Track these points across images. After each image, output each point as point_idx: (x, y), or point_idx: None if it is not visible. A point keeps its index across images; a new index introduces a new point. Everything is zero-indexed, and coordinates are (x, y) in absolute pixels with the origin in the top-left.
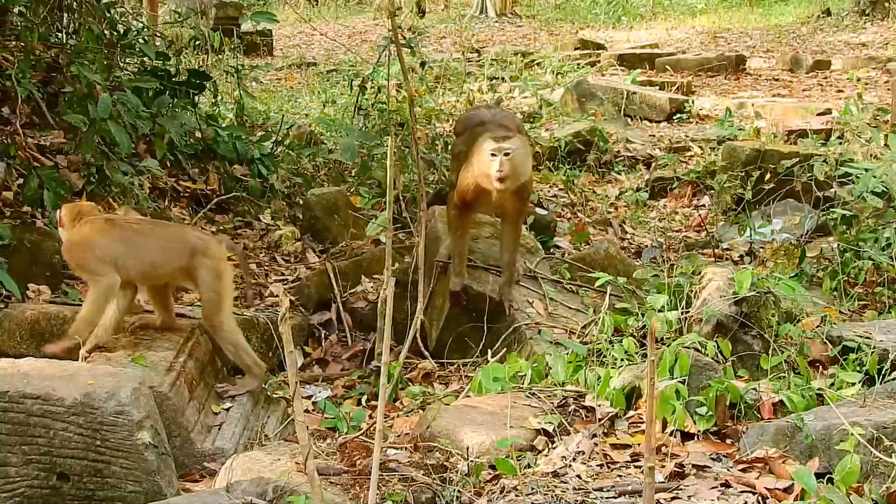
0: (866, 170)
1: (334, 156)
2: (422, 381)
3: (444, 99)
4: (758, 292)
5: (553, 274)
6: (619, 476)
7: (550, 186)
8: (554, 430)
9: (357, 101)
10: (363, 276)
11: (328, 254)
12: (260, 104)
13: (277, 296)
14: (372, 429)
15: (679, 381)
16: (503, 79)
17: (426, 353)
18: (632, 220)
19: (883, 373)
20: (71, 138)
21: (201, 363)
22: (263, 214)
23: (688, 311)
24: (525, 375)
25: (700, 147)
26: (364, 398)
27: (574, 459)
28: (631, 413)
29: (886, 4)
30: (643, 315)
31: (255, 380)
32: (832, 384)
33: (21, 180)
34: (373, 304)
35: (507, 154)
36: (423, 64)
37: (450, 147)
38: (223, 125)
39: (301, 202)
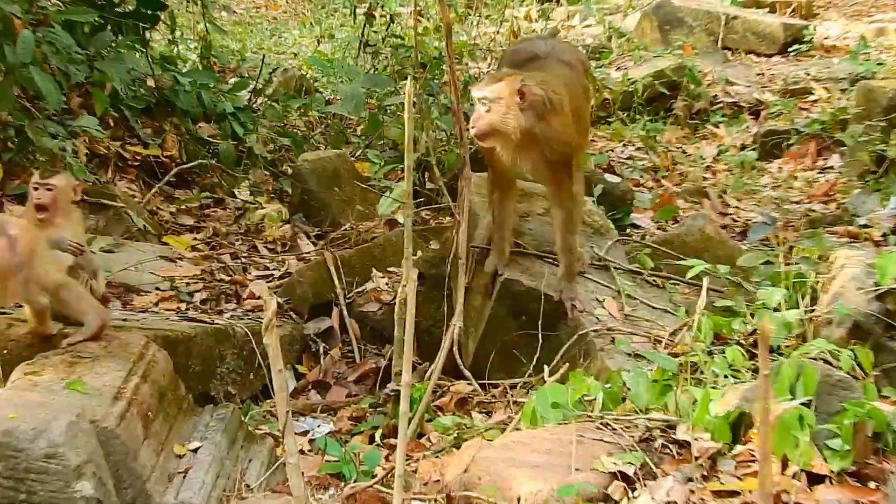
0: None
1: (333, 108)
2: (456, 409)
3: (479, 30)
4: None
5: (630, 262)
6: None
7: (625, 145)
8: (635, 472)
9: (363, 35)
10: (374, 270)
11: (327, 240)
12: (233, 41)
13: (259, 297)
14: (389, 475)
15: (803, 404)
16: (558, 1)
17: (462, 371)
18: (735, 189)
19: None
20: None
21: (158, 388)
22: (239, 188)
23: (813, 310)
24: (595, 400)
25: (826, 89)
26: (378, 434)
27: None
28: (739, 448)
29: None
30: (752, 316)
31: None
32: None
33: None
34: (388, 306)
35: (483, 104)
36: None
37: None
38: (183, 70)
39: (290, 171)
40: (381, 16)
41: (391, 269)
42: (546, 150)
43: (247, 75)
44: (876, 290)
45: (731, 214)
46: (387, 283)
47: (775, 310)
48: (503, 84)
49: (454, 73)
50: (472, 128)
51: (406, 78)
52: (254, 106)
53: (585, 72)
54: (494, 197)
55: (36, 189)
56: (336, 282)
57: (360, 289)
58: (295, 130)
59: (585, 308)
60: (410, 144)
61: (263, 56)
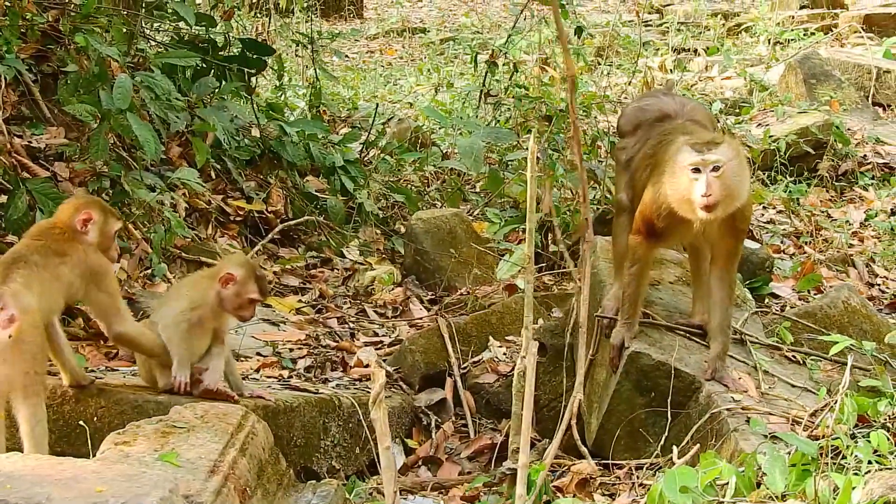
0: None
1: (451, 163)
2: (577, 491)
3: (609, 81)
4: None
5: (768, 336)
6: None
7: (765, 208)
8: None
9: (484, 84)
10: (491, 339)
11: (441, 305)
12: (344, 88)
13: (368, 366)
14: None
15: None
16: (696, 51)
17: (584, 449)
18: (884, 257)
19: None
20: (75, 138)
21: (258, 462)
22: (349, 247)
23: None
24: (727, 484)
25: None
26: None
27: None
28: None
29: None
30: None
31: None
32: None
33: (5, 197)
34: (506, 378)
35: (715, 169)
36: (578, 30)
37: (612, 151)
38: (291, 119)
39: (402, 230)
40: (503, 64)
41: (510, 337)
42: (738, 216)
43: (359, 126)
44: None
45: (879, 285)
46: (504, 354)
47: None
48: (730, 146)
49: (577, 129)
50: (707, 196)
51: (530, 132)
52: (365, 159)
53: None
54: (633, 266)
55: None
56: (450, 350)
57: (475, 359)
58: (409, 186)
59: (737, 387)
60: (533, 203)
61: (377, 105)
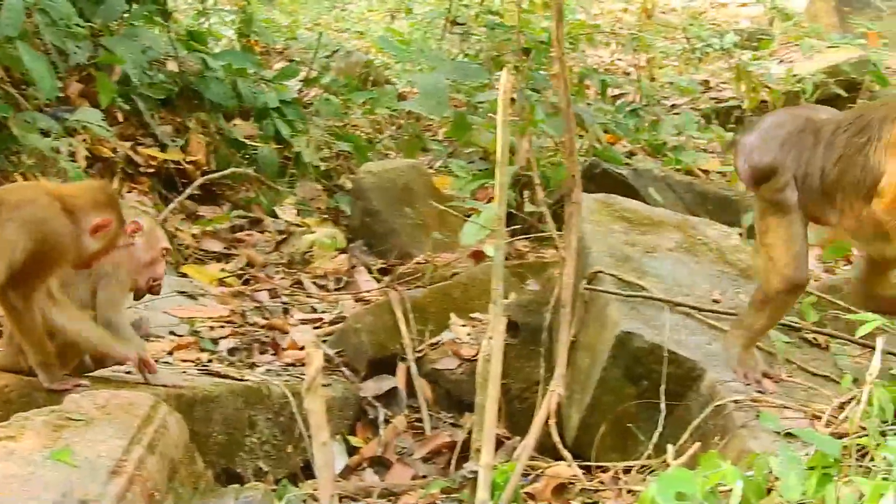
0: None
1: (408, 105)
2: (553, 497)
3: (602, 7)
4: None
5: (788, 314)
6: None
7: None
8: None
9: (449, 10)
10: (453, 316)
11: (393, 276)
12: (281, 14)
13: (304, 348)
14: None
15: None
16: None
17: (562, 449)
18: None
19: None
20: None
21: (169, 462)
22: (283, 206)
23: None
24: (732, 491)
25: None
26: None
27: None
28: None
29: None
30: None
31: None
32: None
33: None
34: (470, 363)
35: None
36: None
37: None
38: (216, 51)
39: (348, 185)
40: None
41: (475, 315)
42: None
43: (297, 59)
44: None
45: None
46: (469, 334)
47: None
48: None
49: (563, 64)
50: None
51: (503, 67)
52: (305, 100)
53: None
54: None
55: None
56: (403, 330)
57: (434, 340)
58: (357, 132)
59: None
60: (506, 154)
61: (320, 34)
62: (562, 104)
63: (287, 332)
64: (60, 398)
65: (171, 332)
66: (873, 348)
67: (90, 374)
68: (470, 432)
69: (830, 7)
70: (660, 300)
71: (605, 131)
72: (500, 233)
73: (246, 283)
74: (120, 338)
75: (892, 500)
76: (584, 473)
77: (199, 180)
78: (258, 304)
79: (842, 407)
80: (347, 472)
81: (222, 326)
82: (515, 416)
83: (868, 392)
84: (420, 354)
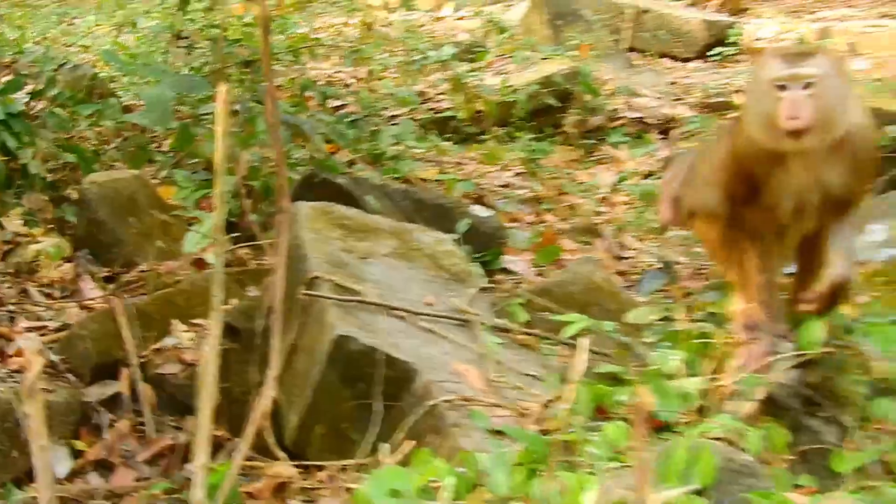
0: None
1: (133, 117)
2: (272, 496)
3: (324, 21)
4: (836, 347)
5: (499, 316)
6: None
7: (501, 170)
8: None
9: (174, 24)
10: (176, 322)
11: (118, 284)
12: (9, 28)
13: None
14: None
15: (697, 493)
16: None
17: (276, 450)
18: (637, 227)
19: None
20: None
21: None
22: (9, 216)
23: (717, 379)
24: (444, 486)
25: None
26: None
27: None
28: None
29: None
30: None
31: None
32: None
33: None
34: (193, 367)
35: (807, 86)
36: None
37: None
38: None
39: (74, 196)
40: (198, 1)
41: (197, 321)
42: (853, 146)
43: (25, 73)
44: (796, 357)
45: (629, 258)
46: (191, 339)
47: (671, 377)
48: (825, 58)
49: (270, 76)
50: (794, 119)
51: (229, 80)
52: (31, 112)
53: None
54: (742, 263)
55: None
56: (127, 336)
57: (157, 345)
58: (84, 144)
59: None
60: (223, 164)
61: (47, 48)
62: (269, 116)
63: (13, 340)
64: None
65: None
66: (581, 348)
67: None
68: (191, 434)
69: (544, 20)
70: (375, 304)
71: (327, 141)
72: (219, 241)
73: None
74: None
75: (594, 494)
76: (302, 473)
77: None
78: None
79: (548, 404)
80: (72, 476)
81: None
82: (236, 418)
83: (573, 390)
84: (144, 360)
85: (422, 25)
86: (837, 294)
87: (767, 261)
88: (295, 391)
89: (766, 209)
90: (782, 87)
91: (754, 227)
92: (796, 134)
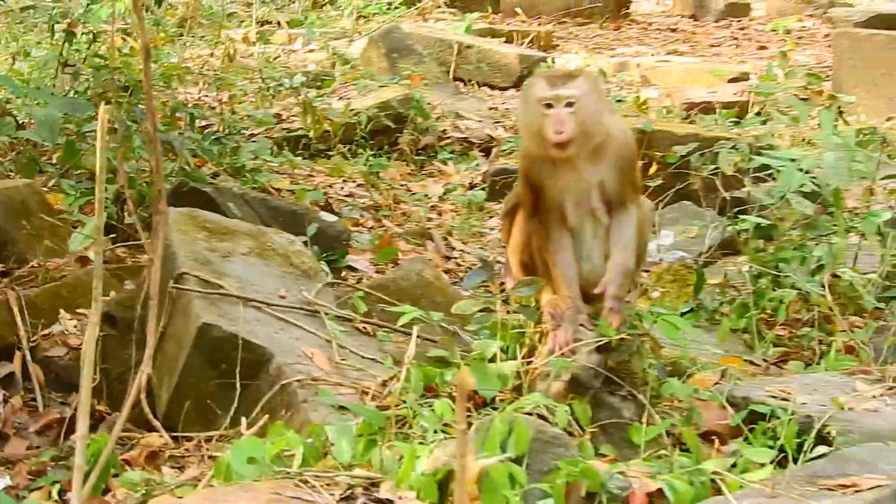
0: (791, 160)
1: (27, 134)
2: (146, 463)
3: (192, 52)
4: (630, 335)
5: (342, 308)
6: None
7: (345, 181)
8: None
9: (62, 54)
10: (63, 311)
11: (11, 278)
12: None
13: None
14: None
15: (514, 461)
16: (279, 23)
17: (155, 422)
18: (462, 231)
19: (804, 449)
20: None
21: None
22: None
23: (530, 362)
24: (295, 455)
25: None
26: (58, 489)
27: None
28: None
29: None
30: (468, 367)
31: None
32: (733, 465)
33: None
34: (76, 350)
35: (569, 105)
36: (159, 0)
37: None
38: None
39: None
40: (83, 33)
41: (81, 310)
42: (613, 151)
43: None
44: (596, 342)
45: (455, 258)
46: (76, 326)
47: (491, 361)
48: (585, 80)
49: (150, 99)
50: (559, 133)
51: (109, 102)
52: None
53: None
54: (545, 242)
55: None
56: (19, 324)
57: (46, 332)
58: None
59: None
60: (103, 174)
61: None
62: (151, 130)
63: None
64: None
65: None
66: (413, 335)
67: None
68: (76, 409)
69: (381, 54)
70: (235, 297)
71: (194, 156)
72: (99, 241)
73: None
74: None
75: (424, 461)
76: (172, 442)
77: None
78: None
79: (385, 384)
80: None
81: None
82: (115, 395)
83: (406, 371)
84: (34, 344)
85: (277, 57)
86: (622, 282)
87: (567, 256)
88: (166, 372)
89: (555, 209)
90: (549, 105)
91: (550, 226)
92: (561, 146)
